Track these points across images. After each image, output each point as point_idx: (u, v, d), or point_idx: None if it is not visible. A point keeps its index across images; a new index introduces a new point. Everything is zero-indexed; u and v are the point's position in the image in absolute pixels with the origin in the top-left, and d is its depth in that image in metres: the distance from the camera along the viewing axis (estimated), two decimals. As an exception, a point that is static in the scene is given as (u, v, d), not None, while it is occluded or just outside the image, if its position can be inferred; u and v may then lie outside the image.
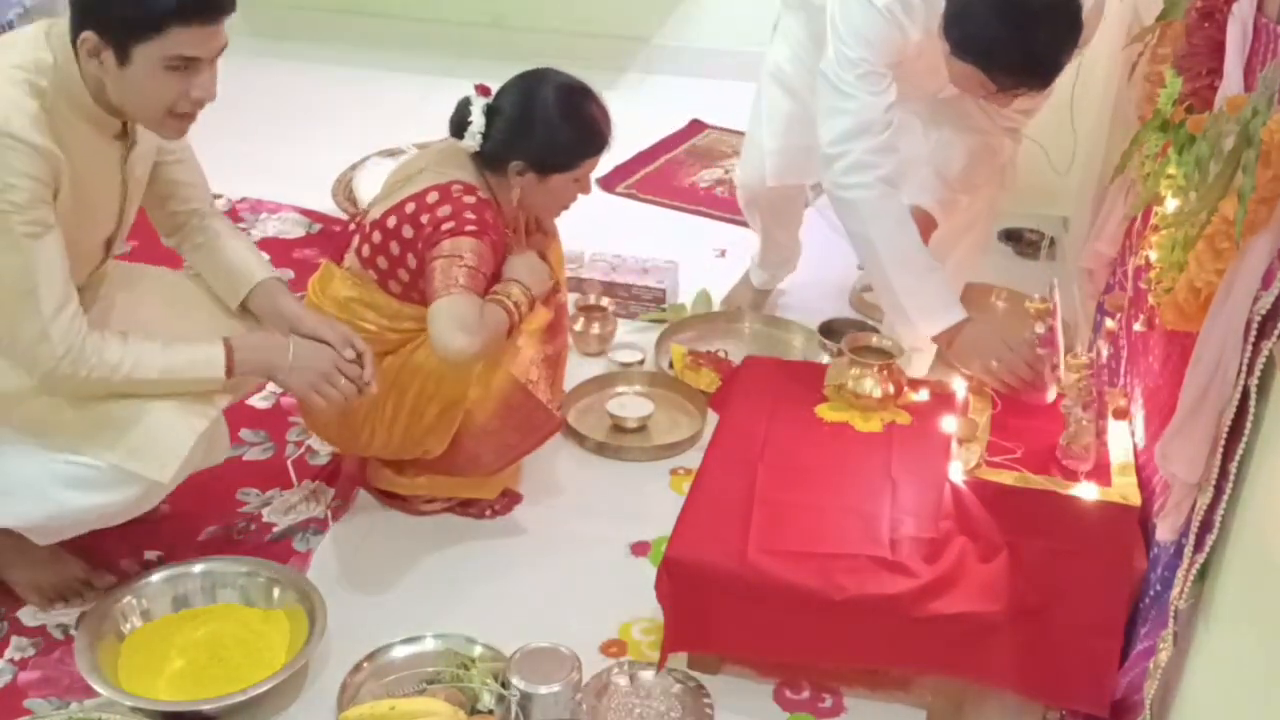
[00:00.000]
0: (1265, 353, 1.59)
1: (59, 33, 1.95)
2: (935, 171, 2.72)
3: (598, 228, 3.43)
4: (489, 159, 2.34)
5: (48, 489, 2.05)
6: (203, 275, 2.34)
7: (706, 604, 2.10)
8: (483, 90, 2.35)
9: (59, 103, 1.93)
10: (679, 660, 2.19)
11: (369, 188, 3.55)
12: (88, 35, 1.89)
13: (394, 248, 2.31)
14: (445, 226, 2.25)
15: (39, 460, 2.04)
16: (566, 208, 2.48)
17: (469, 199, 2.28)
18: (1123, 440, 2.20)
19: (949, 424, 2.30)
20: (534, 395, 2.38)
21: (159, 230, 2.38)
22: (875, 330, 2.85)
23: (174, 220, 2.33)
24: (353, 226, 2.44)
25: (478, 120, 2.31)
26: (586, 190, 2.43)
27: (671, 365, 3.00)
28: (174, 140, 2.12)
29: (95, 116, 1.99)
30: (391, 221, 2.31)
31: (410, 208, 2.29)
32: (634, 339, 3.14)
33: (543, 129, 2.31)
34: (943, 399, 2.45)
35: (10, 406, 2.03)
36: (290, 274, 3.39)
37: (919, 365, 2.88)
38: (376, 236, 2.33)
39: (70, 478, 2.04)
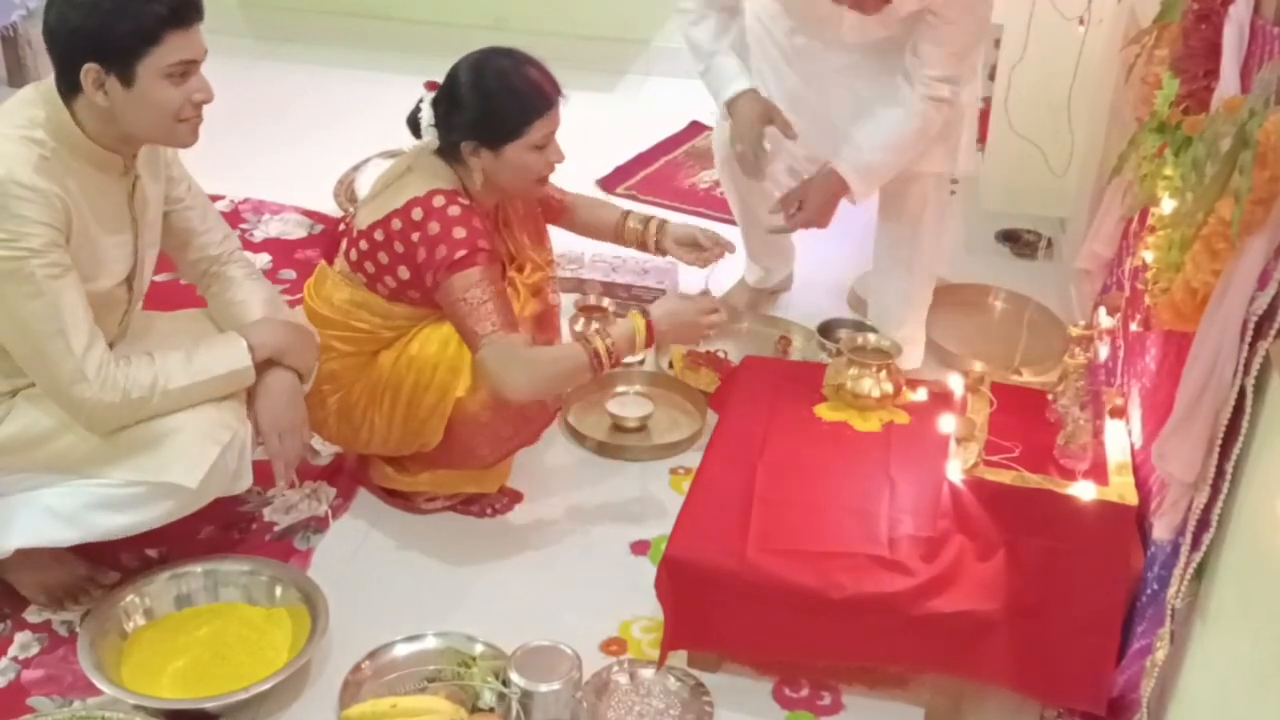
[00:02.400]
0: (1261, 352, 1.60)
1: (45, 88, 2.04)
2: (856, 141, 2.72)
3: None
4: (446, 150, 2.36)
5: (79, 514, 2.11)
6: (215, 319, 2.38)
7: (706, 602, 2.11)
8: (431, 86, 2.37)
9: (60, 150, 2.01)
10: (679, 658, 2.20)
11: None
12: (90, 67, 1.97)
13: (382, 257, 2.33)
14: (439, 254, 2.26)
15: (68, 488, 2.10)
16: (541, 179, 2.42)
17: (453, 210, 2.28)
18: (1120, 440, 2.21)
19: (947, 423, 2.31)
20: None
21: (185, 280, 2.46)
22: (873, 330, 2.87)
23: (196, 269, 2.39)
24: (342, 227, 2.46)
25: (426, 115, 2.35)
26: (555, 157, 2.39)
27: (671, 365, 3.01)
28: (189, 145, 2.16)
29: (97, 157, 2.06)
30: (379, 235, 2.32)
31: (396, 224, 2.30)
32: (634, 339, 3.15)
33: (473, 101, 2.31)
34: (941, 399, 2.46)
35: (36, 447, 2.09)
36: (292, 274, 3.41)
37: (913, 356, 2.91)
38: (364, 244, 2.35)
39: (102, 500, 2.10)
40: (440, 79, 2.38)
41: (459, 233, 2.27)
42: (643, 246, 2.73)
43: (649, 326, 2.35)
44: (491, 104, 2.31)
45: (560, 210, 2.71)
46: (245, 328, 2.25)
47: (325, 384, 2.42)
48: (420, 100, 2.38)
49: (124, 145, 2.08)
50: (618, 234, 2.74)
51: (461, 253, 2.25)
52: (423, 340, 2.37)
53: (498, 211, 2.49)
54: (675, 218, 3.74)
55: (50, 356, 1.99)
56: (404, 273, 2.33)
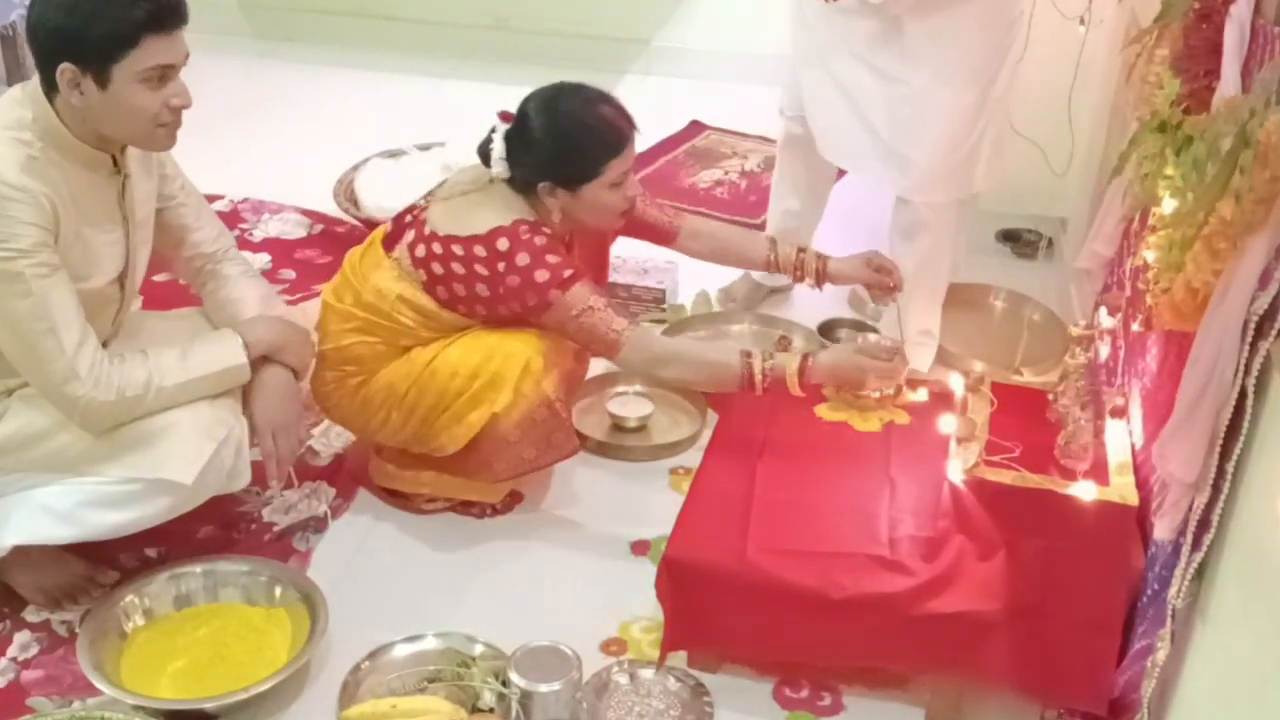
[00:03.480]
0: (1262, 352, 1.59)
1: (31, 88, 2.03)
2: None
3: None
4: (520, 185, 2.34)
5: (76, 511, 2.11)
6: (211, 318, 2.38)
7: (706, 602, 2.11)
8: (505, 117, 2.34)
9: (48, 150, 2.01)
10: (679, 659, 2.20)
11: (370, 189, 3.56)
12: (65, 67, 1.96)
13: (457, 268, 2.30)
14: (540, 278, 2.26)
15: (65, 486, 2.10)
16: (622, 211, 2.43)
17: (539, 240, 2.28)
18: (1121, 440, 2.20)
19: (947, 423, 2.30)
20: (560, 414, 2.38)
21: (182, 280, 2.46)
22: (874, 330, 2.86)
23: (190, 266, 2.39)
24: (409, 219, 2.40)
25: (498, 148, 2.32)
26: (633, 190, 2.40)
27: (672, 365, 3.00)
28: (166, 149, 2.17)
29: (85, 156, 2.05)
30: (458, 249, 2.29)
31: (479, 250, 2.28)
32: (634, 339, 3.15)
33: (550, 145, 2.30)
34: (941, 398, 2.46)
35: (32, 446, 2.09)
36: (292, 274, 3.41)
37: (921, 359, 2.90)
38: (437, 248, 2.31)
39: (98, 497, 2.10)
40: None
41: (552, 259, 2.28)
42: (798, 277, 2.69)
43: (802, 370, 2.30)
44: (565, 147, 2.31)
45: (670, 233, 2.69)
46: (240, 324, 2.25)
47: (349, 365, 2.41)
48: (492, 130, 2.35)
49: (108, 144, 2.08)
50: (768, 263, 2.70)
51: (568, 272, 2.28)
52: (465, 348, 2.35)
53: (564, 233, 2.47)
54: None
55: (42, 355, 2.00)
56: (482, 290, 2.30)
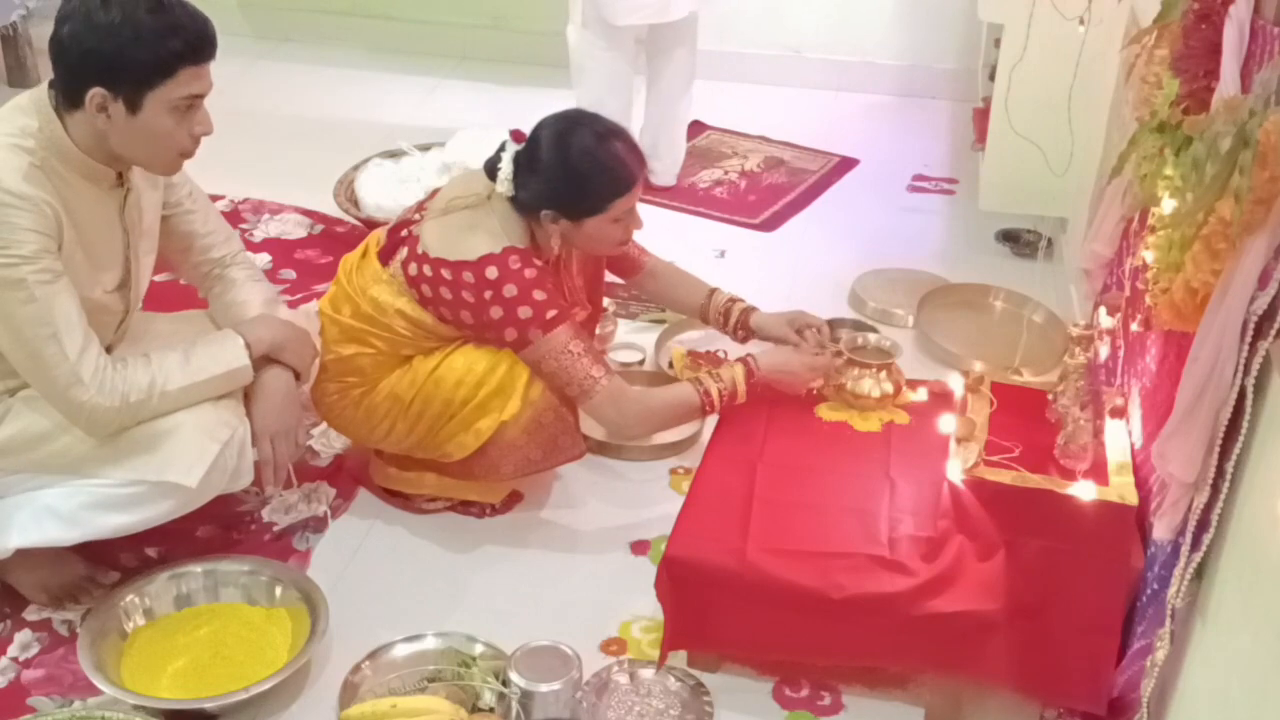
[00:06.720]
0: (1261, 352, 1.60)
1: (38, 98, 2.04)
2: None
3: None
4: (522, 207, 2.33)
5: (79, 513, 2.11)
6: (216, 321, 2.38)
7: (706, 602, 2.11)
8: (517, 137, 2.34)
9: (50, 160, 2.01)
10: (679, 658, 2.20)
11: (370, 189, 3.56)
12: (96, 91, 1.97)
13: (445, 293, 2.30)
14: (523, 314, 2.26)
15: (69, 488, 2.10)
16: (622, 243, 2.46)
17: (529, 273, 2.27)
18: (1120, 440, 2.20)
19: (947, 423, 2.30)
20: (567, 418, 2.39)
21: (187, 281, 2.48)
22: (874, 330, 2.86)
23: (198, 271, 2.40)
24: (404, 233, 2.38)
25: (506, 168, 2.31)
26: (635, 225, 2.41)
27: (671, 365, 3.01)
28: (170, 174, 2.20)
29: (88, 169, 2.06)
30: (446, 273, 2.28)
31: (468, 276, 2.27)
32: (634, 339, 3.15)
33: (559, 178, 2.29)
34: (941, 399, 2.46)
35: (35, 447, 2.10)
36: (292, 274, 3.41)
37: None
38: (427, 270, 2.30)
39: (102, 500, 2.10)
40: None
41: (539, 294, 2.27)
42: (725, 330, 2.70)
43: (748, 376, 2.41)
44: (574, 182, 2.30)
45: (634, 267, 2.70)
46: (241, 324, 2.25)
47: (351, 376, 2.40)
48: (502, 147, 2.33)
49: (117, 162, 2.09)
50: (703, 313, 2.72)
51: (552, 312, 2.28)
52: (470, 355, 2.35)
53: (561, 249, 2.47)
54: (676, 217, 3.77)
55: (46, 361, 2.00)
56: (467, 317, 2.31)
